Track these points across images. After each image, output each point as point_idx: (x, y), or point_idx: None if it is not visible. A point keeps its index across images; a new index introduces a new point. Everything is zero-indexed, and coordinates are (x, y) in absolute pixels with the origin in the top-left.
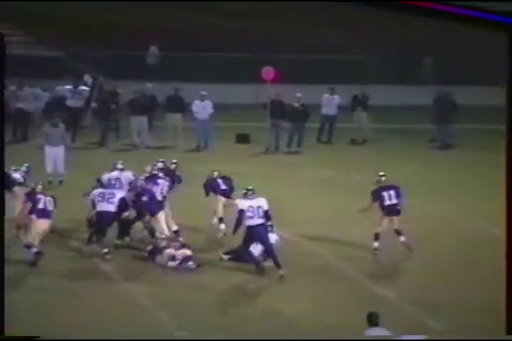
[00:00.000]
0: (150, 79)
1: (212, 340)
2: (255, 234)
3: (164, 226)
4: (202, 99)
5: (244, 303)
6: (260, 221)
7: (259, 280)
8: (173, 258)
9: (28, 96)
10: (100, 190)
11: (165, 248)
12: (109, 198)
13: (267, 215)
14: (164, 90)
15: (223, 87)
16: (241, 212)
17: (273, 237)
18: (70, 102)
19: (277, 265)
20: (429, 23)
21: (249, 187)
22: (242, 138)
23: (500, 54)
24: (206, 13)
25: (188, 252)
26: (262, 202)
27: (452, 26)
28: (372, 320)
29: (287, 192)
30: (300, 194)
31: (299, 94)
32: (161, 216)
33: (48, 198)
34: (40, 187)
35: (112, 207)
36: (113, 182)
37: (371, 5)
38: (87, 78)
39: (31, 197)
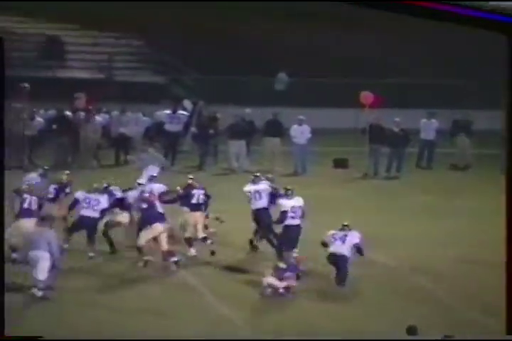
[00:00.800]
0: (248, 104)
1: (221, 340)
2: (293, 233)
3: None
4: (300, 123)
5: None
6: (298, 221)
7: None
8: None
9: (130, 121)
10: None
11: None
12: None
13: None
14: (263, 115)
15: (321, 111)
16: (284, 213)
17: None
18: (168, 127)
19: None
20: None
21: (289, 187)
22: (340, 163)
23: None
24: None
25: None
26: (301, 202)
27: None
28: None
29: (387, 217)
30: (400, 219)
31: (397, 119)
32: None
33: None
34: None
35: None
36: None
37: (374, 6)
38: (187, 103)
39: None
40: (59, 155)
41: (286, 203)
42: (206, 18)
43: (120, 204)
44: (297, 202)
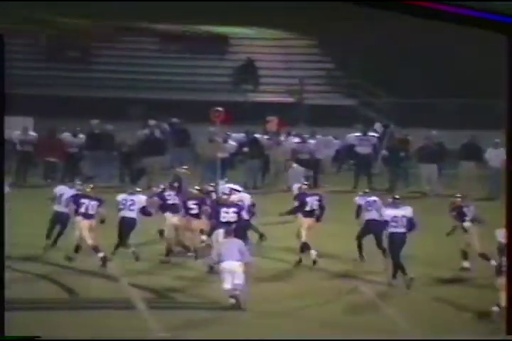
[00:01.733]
0: (440, 126)
1: (211, 340)
2: (372, 227)
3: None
4: (496, 146)
5: None
6: (402, 229)
7: None
8: None
9: (319, 144)
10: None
11: None
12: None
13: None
14: (456, 137)
15: None
16: (360, 207)
17: None
18: (358, 149)
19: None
20: None
21: (397, 196)
22: None
23: None
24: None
25: None
26: (407, 211)
27: None
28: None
29: None
30: None
31: None
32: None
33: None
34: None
35: None
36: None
37: (370, 5)
38: (378, 126)
39: None
40: (249, 178)
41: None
42: (395, 40)
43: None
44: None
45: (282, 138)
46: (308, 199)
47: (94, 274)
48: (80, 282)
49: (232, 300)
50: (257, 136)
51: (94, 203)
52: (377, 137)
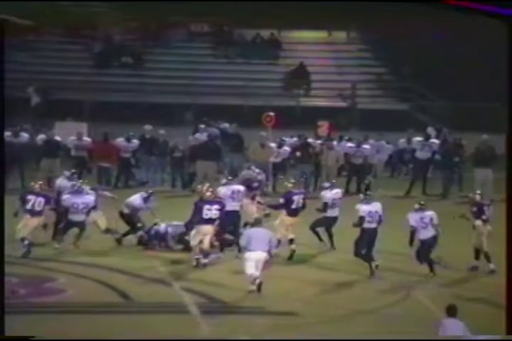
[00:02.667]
0: (495, 130)
1: (212, 340)
2: (370, 236)
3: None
4: None
5: None
6: (375, 225)
7: None
8: None
9: (372, 149)
10: None
11: None
12: None
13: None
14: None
15: None
16: (361, 218)
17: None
18: (418, 154)
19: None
20: None
21: (368, 193)
22: None
23: None
24: None
25: None
26: (378, 207)
27: None
28: (451, 312)
29: None
30: None
31: None
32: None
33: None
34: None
35: None
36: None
37: None
38: (431, 130)
39: None
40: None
41: (363, 208)
42: (447, 43)
43: None
44: (374, 207)
45: (335, 142)
46: (295, 197)
47: (147, 278)
48: (133, 286)
49: (253, 287)
50: (309, 140)
51: (40, 199)
52: (437, 142)
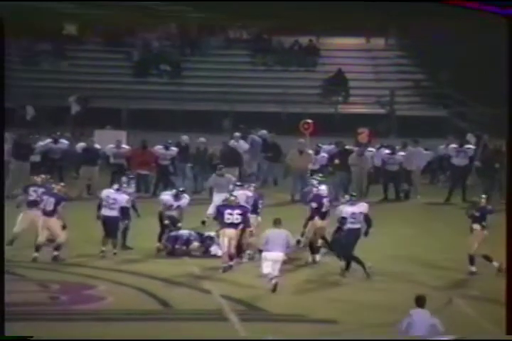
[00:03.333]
0: None
1: (214, 340)
2: (354, 237)
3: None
4: None
5: None
6: (358, 226)
7: None
8: None
9: (406, 156)
10: None
11: None
12: None
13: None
14: None
15: None
16: (343, 219)
17: None
18: (455, 161)
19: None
20: None
21: (353, 194)
22: None
23: None
24: None
25: None
26: (363, 208)
27: None
28: (419, 303)
29: None
30: None
31: None
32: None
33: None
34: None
35: None
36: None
37: None
38: (470, 137)
39: None
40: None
41: (346, 210)
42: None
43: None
44: (359, 208)
45: (372, 149)
46: (324, 200)
47: (186, 285)
48: (172, 293)
49: (270, 286)
50: (347, 147)
51: (52, 200)
52: (473, 148)
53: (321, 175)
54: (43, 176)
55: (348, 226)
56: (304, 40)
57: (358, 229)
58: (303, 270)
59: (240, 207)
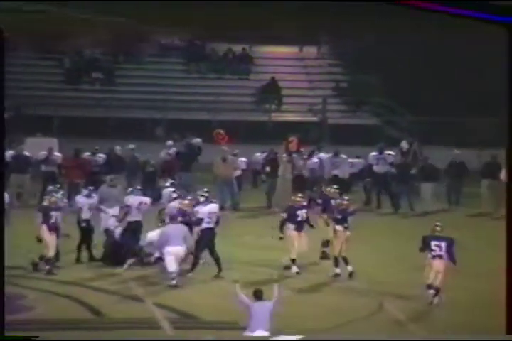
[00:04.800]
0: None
1: (210, 340)
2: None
3: None
4: None
5: None
6: (212, 225)
7: None
8: None
9: (343, 163)
10: None
11: None
12: None
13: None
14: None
15: None
16: (200, 220)
17: None
18: (375, 168)
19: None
20: None
21: (206, 194)
22: None
23: None
24: None
25: None
26: (215, 209)
27: None
28: (258, 295)
29: None
30: None
31: None
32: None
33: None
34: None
35: None
36: None
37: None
38: (404, 144)
39: None
40: (268, 196)
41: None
42: (417, 58)
43: None
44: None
45: (303, 157)
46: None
47: (118, 294)
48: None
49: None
50: (277, 155)
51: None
52: (392, 155)
53: None
54: None
55: (204, 226)
56: (237, 48)
57: (213, 229)
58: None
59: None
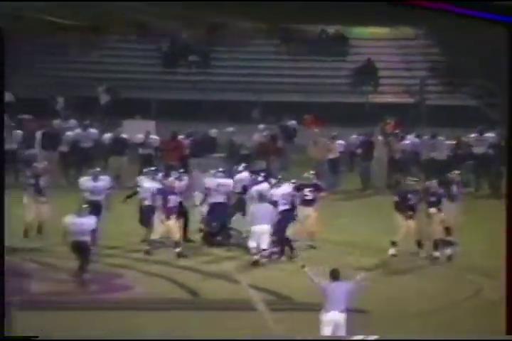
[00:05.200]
0: None
1: (208, 340)
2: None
3: None
4: None
5: None
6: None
7: None
8: None
9: (441, 146)
10: None
11: None
12: None
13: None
14: None
15: None
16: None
17: None
18: (474, 150)
19: None
20: None
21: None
22: None
23: None
24: None
25: None
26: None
27: None
28: (335, 276)
29: None
30: None
31: None
32: None
33: None
34: None
35: None
36: None
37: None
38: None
39: None
40: (363, 179)
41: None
42: None
43: None
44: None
45: (399, 138)
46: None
47: (215, 276)
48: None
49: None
50: (372, 137)
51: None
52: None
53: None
54: None
55: (281, 208)
56: (331, 30)
57: (291, 210)
58: None
59: None
